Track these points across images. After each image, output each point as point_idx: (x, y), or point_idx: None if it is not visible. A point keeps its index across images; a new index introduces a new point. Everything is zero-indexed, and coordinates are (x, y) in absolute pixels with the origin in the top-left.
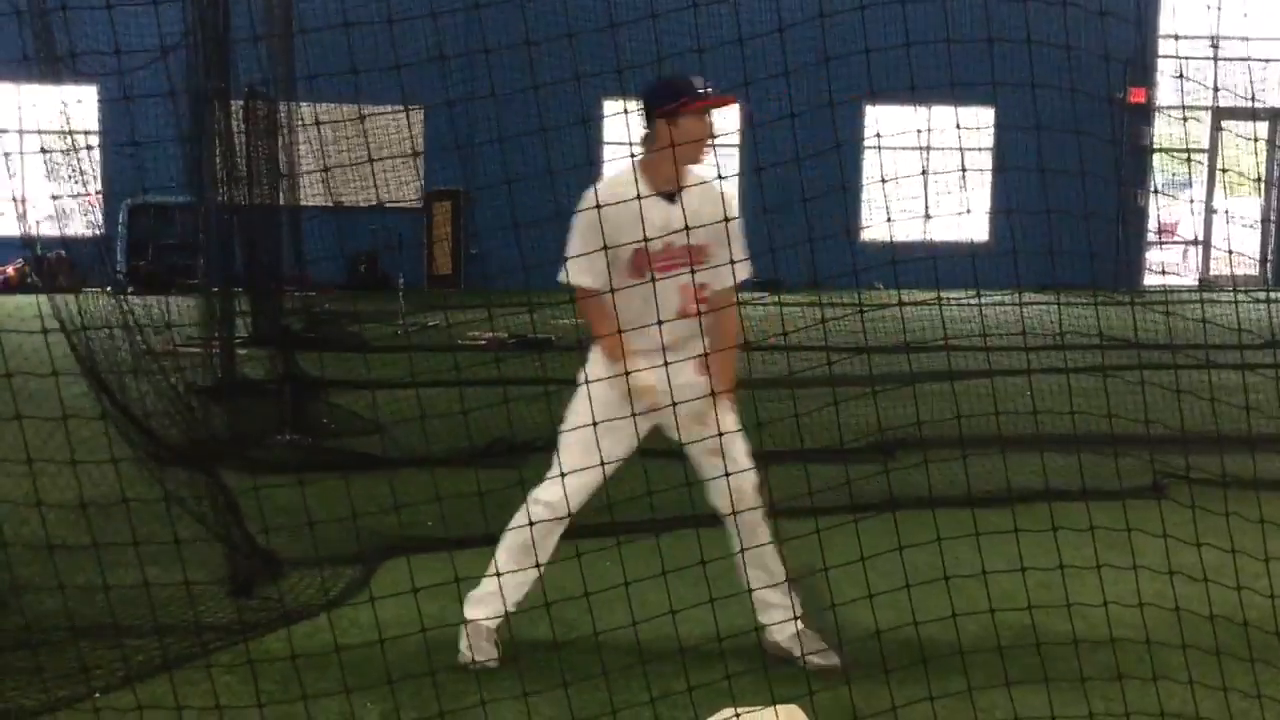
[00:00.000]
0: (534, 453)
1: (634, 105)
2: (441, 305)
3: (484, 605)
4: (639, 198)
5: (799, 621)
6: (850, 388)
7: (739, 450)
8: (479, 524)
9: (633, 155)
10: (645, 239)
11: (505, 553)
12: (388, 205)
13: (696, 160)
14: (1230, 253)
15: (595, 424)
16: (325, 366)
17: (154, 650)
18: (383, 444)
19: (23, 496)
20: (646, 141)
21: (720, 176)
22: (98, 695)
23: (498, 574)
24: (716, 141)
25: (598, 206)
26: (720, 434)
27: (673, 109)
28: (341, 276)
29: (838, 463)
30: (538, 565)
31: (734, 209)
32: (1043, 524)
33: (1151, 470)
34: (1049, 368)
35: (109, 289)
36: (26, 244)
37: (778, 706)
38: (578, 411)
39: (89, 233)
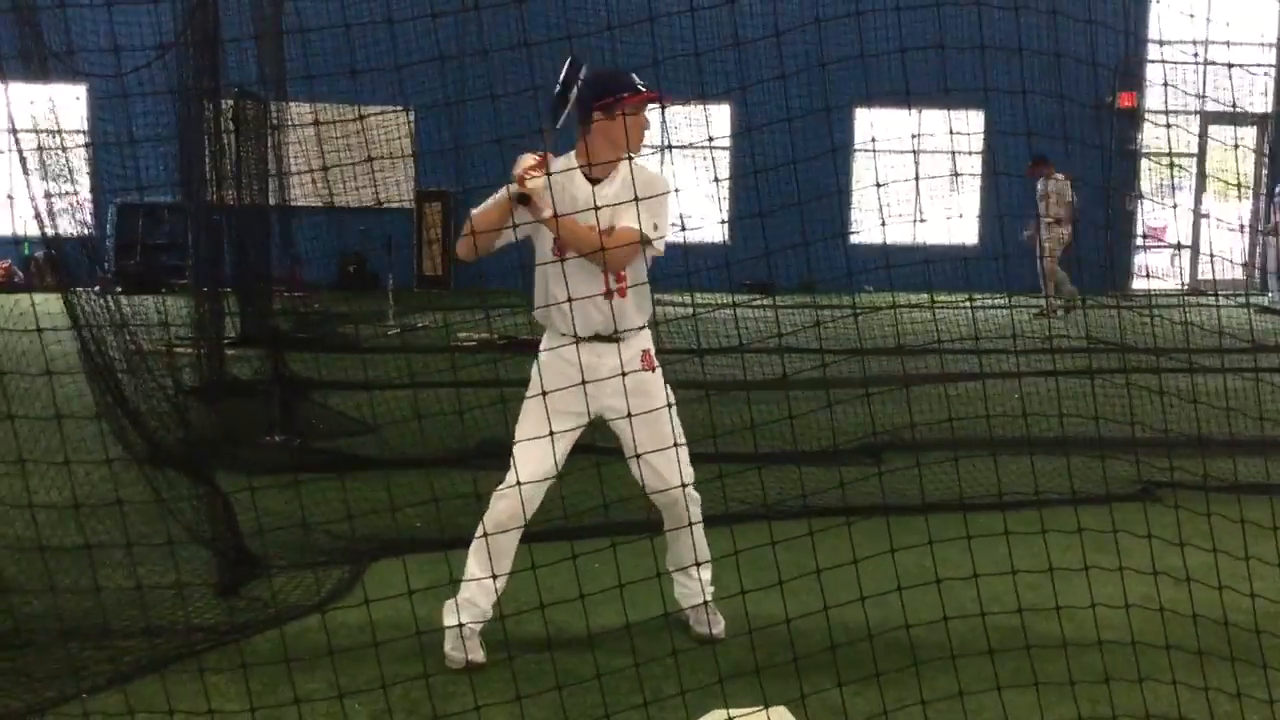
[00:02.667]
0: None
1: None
2: (431, 306)
3: (466, 610)
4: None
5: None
6: (842, 390)
7: (671, 431)
8: (469, 525)
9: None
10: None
11: (474, 555)
12: (377, 206)
13: (634, 150)
14: (1212, 257)
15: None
16: (314, 367)
17: (143, 651)
18: (373, 445)
19: (12, 496)
20: (580, 131)
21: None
22: (85, 696)
23: (464, 580)
24: (648, 138)
25: (548, 174)
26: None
27: (609, 103)
28: (331, 277)
29: (830, 464)
30: (495, 577)
31: (655, 188)
32: (1031, 527)
33: (1138, 473)
34: (1038, 370)
35: (97, 289)
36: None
37: (768, 709)
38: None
39: (77, 232)
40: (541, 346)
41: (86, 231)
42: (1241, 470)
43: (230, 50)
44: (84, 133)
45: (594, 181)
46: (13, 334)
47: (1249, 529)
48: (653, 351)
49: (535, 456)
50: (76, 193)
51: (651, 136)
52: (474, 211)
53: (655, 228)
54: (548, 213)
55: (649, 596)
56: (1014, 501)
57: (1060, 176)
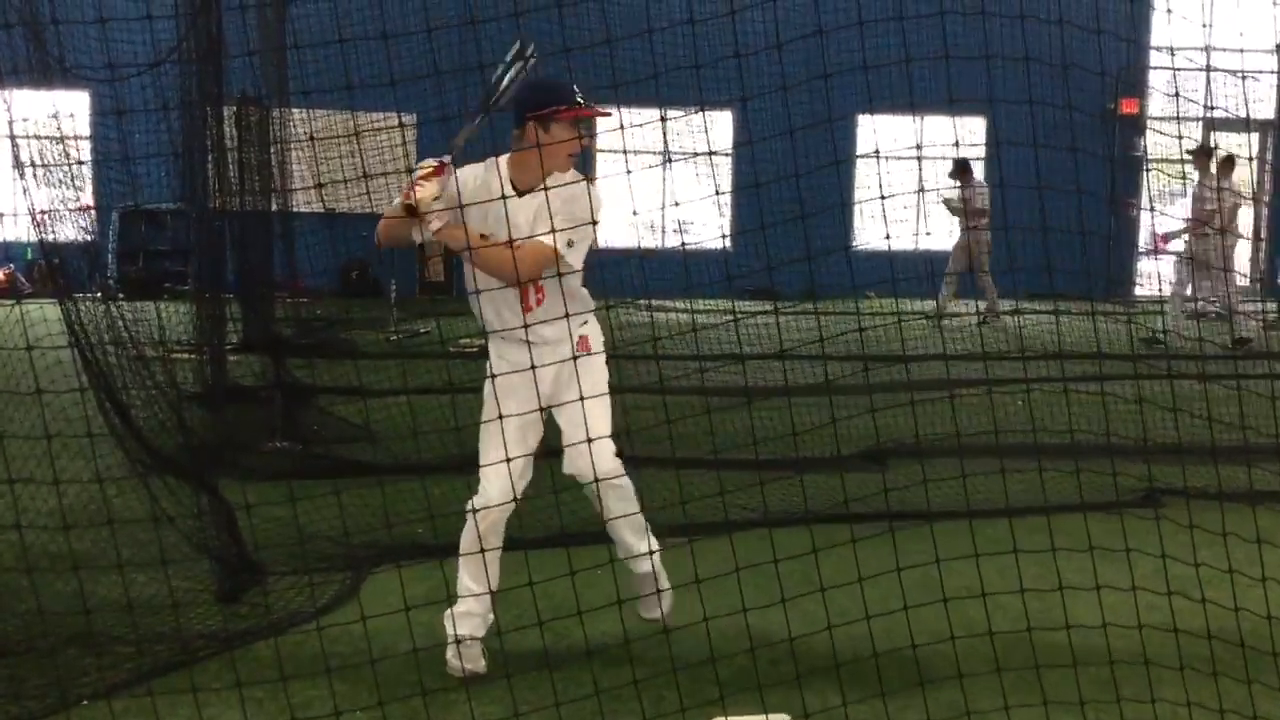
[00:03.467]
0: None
1: (632, 116)
2: (434, 312)
3: (464, 622)
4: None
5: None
6: (847, 396)
7: (597, 418)
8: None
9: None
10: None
11: (464, 569)
12: (381, 213)
13: (564, 167)
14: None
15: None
16: (316, 373)
17: (139, 659)
18: (375, 451)
19: (4, 506)
20: (514, 139)
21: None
22: (85, 702)
23: (459, 595)
24: (586, 147)
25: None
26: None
27: (545, 114)
28: (333, 283)
29: (833, 471)
30: (491, 593)
31: (576, 202)
32: (1038, 534)
33: (1150, 482)
34: (1045, 378)
35: (100, 295)
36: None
37: (769, 717)
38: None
39: (80, 238)
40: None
41: (89, 238)
42: (1234, 478)
43: (233, 57)
44: (87, 139)
45: (521, 193)
46: (18, 338)
47: (1252, 538)
48: (591, 337)
49: (501, 471)
50: (80, 199)
51: (654, 143)
52: (382, 217)
53: (570, 244)
54: (435, 224)
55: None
56: (1021, 508)
57: (979, 182)
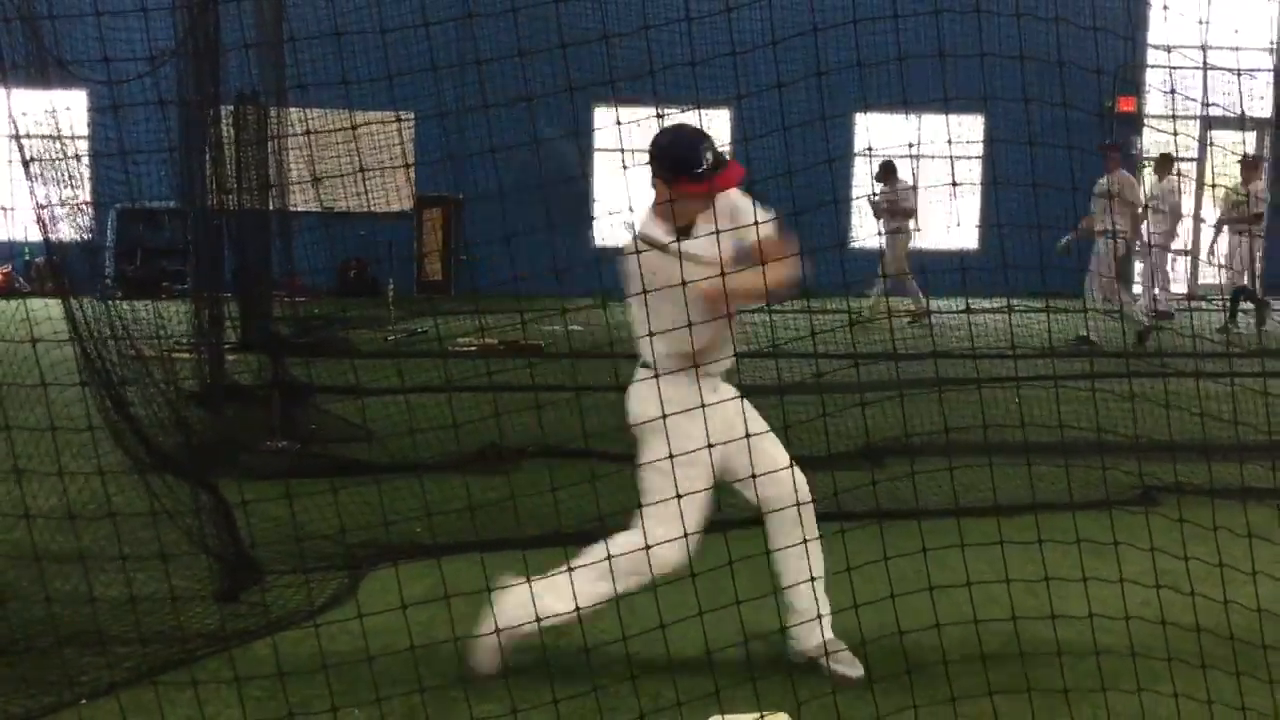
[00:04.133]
0: (525, 458)
1: (629, 114)
2: (432, 311)
3: (551, 597)
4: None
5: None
6: (839, 394)
7: (778, 445)
8: (468, 531)
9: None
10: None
11: (590, 596)
12: (378, 211)
13: (704, 209)
14: (1221, 266)
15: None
16: (315, 372)
17: (140, 658)
18: (373, 450)
19: (10, 504)
20: (663, 189)
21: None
22: (84, 702)
23: (568, 567)
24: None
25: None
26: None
27: (672, 180)
28: (331, 282)
29: (825, 469)
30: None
31: (741, 206)
32: (1029, 532)
33: (1140, 479)
34: (1037, 375)
35: (98, 294)
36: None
37: (765, 715)
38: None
39: (79, 237)
40: (671, 396)
41: (88, 237)
42: (1226, 475)
43: (231, 56)
44: (85, 138)
45: (682, 235)
46: (14, 341)
47: (1250, 534)
48: None
49: (698, 506)
50: (77, 197)
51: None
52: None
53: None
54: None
55: (645, 602)
56: (1011, 506)
57: (903, 182)
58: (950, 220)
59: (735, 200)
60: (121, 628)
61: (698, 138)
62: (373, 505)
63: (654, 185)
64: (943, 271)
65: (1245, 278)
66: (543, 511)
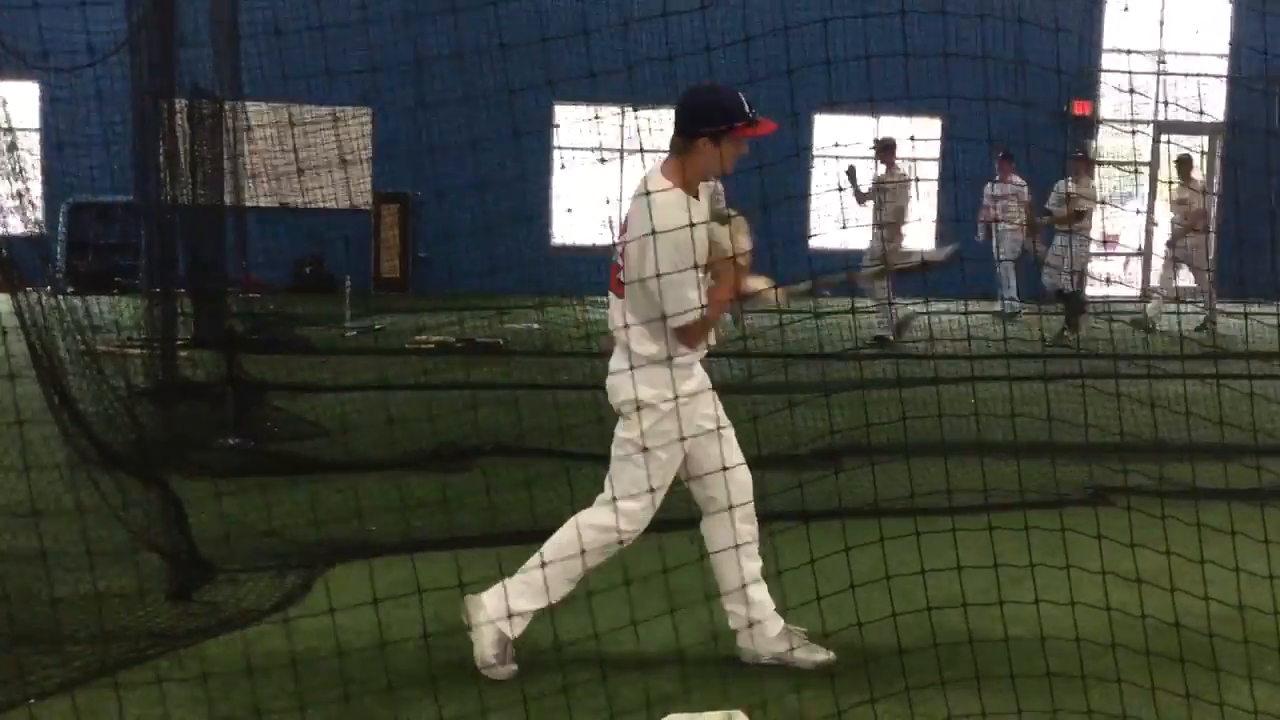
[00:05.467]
0: (482, 456)
1: (594, 112)
2: (388, 308)
3: (524, 619)
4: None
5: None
6: (800, 394)
7: (733, 442)
8: (424, 529)
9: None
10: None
11: (562, 576)
12: (335, 208)
13: (720, 174)
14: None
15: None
16: (270, 369)
17: (93, 656)
18: (328, 447)
19: None
20: (677, 149)
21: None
22: (33, 702)
23: (543, 564)
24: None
25: (691, 224)
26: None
27: (723, 131)
28: (287, 278)
29: (789, 468)
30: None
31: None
32: (982, 529)
33: (1090, 478)
34: (992, 375)
35: (48, 288)
36: None
37: (725, 712)
38: (653, 435)
39: (28, 231)
40: (665, 385)
41: (37, 230)
42: (1191, 474)
43: (186, 48)
44: (35, 130)
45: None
46: None
47: (1201, 532)
48: None
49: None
50: (27, 190)
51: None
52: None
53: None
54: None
55: (616, 604)
56: (966, 506)
57: (903, 171)
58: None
59: (716, 186)
60: (74, 627)
61: (734, 89)
62: (328, 503)
63: (684, 147)
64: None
65: (1067, 280)
66: (515, 508)
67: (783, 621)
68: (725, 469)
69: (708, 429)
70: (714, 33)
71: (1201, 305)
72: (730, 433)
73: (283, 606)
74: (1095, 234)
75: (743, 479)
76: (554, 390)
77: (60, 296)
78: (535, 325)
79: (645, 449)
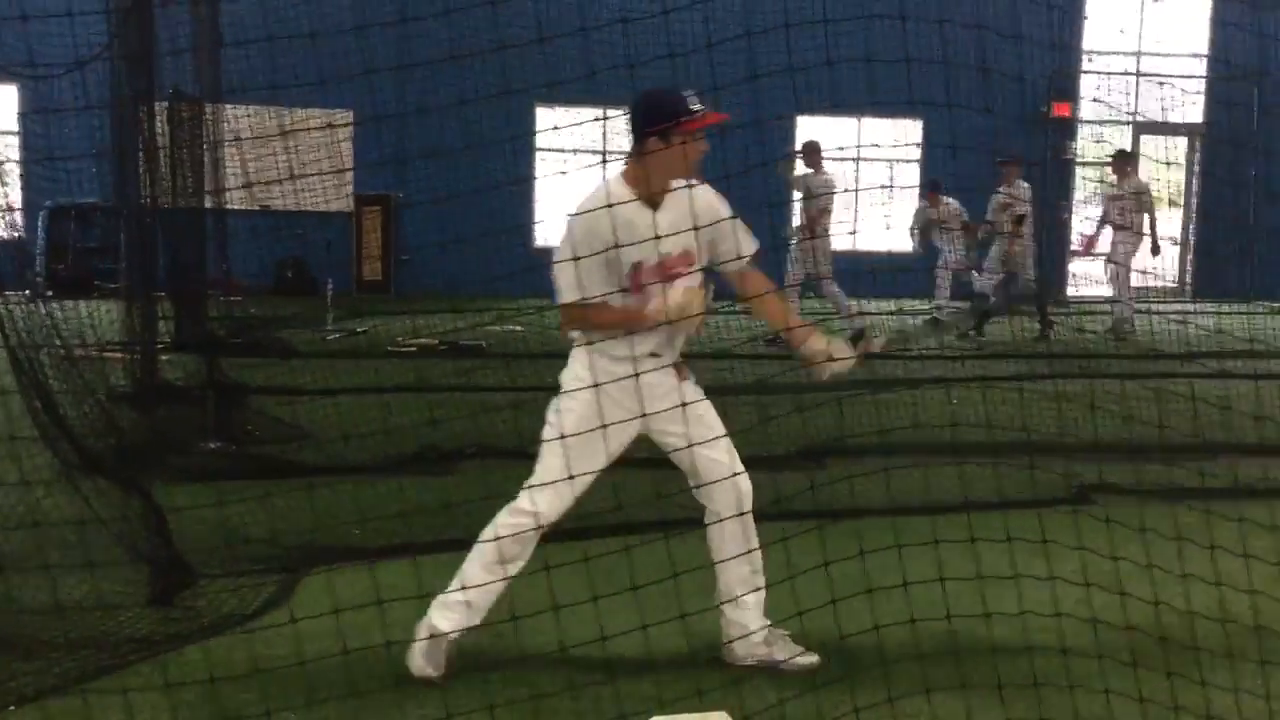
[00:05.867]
0: (463, 459)
1: (570, 115)
2: (370, 311)
3: (451, 616)
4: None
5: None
6: (778, 395)
7: (732, 450)
8: (406, 532)
9: (621, 167)
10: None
11: (478, 563)
12: (316, 210)
13: (686, 175)
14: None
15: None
16: (251, 373)
17: (71, 664)
18: (310, 451)
19: None
20: (633, 154)
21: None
22: (12, 708)
23: (463, 587)
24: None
25: (604, 209)
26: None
27: (666, 128)
28: (268, 281)
29: (766, 470)
30: (506, 578)
31: (726, 209)
32: (963, 534)
33: (1067, 481)
34: (970, 377)
35: (26, 293)
36: None
37: (706, 714)
38: (564, 419)
39: (6, 235)
40: (585, 368)
41: (16, 235)
42: (1166, 476)
43: (166, 53)
44: (15, 134)
45: (651, 206)
46: None
47: (1182, 536)
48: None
49: (585, 483)
50: (6, 195)
51: (592, 142)
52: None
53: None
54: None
55: (584, 614)
56: (947, 507)
57: (828, 172)
58: (885, 222)
59: (718, 207)
60: (50, 633)
61: (679, 89)
62: (308, 508)
63: (636, 152)
64: (872, 272)
65: (987, 281)
66: (482, 511)
67: (768, 623)
68: (727, 478)
69: (623, 419)
70: (715, 34)
71: (1120, 306)
72: (725, 441)
73: (263, 612)
74: (1027, 238)
75: (744, 487)
76: (535, 392)
77: (39, 301)
78: (518, 328)
79: (562, 436)
